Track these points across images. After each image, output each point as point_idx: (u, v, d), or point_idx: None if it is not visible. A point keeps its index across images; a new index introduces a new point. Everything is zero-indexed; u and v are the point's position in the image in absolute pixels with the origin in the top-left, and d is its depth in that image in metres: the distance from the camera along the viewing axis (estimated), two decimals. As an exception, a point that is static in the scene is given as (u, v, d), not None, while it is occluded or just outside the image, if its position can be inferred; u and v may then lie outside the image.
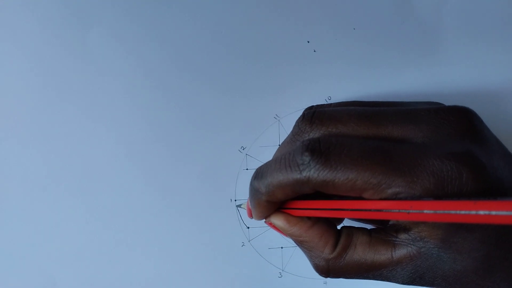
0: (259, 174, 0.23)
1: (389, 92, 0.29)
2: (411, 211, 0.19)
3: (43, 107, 0.29)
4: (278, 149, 0.26)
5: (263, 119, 0.29)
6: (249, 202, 0.25)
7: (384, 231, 0.24)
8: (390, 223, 0.24)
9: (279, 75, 0.29)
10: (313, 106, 0.26)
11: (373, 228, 0.24)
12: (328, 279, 0.31)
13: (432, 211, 0.18)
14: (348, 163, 0.20)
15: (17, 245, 0.30)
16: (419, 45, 0.29)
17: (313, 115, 0.24)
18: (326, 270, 0.24)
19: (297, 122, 0.24)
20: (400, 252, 0.22)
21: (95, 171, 0.29)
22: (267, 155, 0.30)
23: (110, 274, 0.30)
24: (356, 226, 0.25)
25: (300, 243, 0.25)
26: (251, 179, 0.24)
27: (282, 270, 0.31)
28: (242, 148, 0.30)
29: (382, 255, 0.23)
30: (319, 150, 0.21)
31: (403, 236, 0.22)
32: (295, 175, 0.21)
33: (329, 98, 0.29)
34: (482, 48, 0.29)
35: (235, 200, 0.30)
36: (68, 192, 0.29)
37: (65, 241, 0.30)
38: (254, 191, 0.24)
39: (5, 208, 0.29)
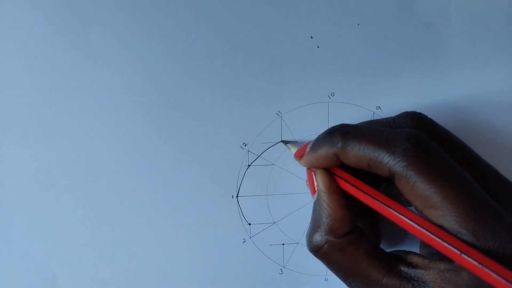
0: (345, 128, 0.23)
1: (392, 88, 0.29)
2: (464, 254, 0.19)
3: (43, 103, 0.28)
4: (368, 122, 0.26)
5: (265, 115, 0.29)
6: (310, 144, 0.24)
7: (389, 253, 0.24)
8: (393, 250, 0.24)
9: (282, 71, 0.29)
10: None
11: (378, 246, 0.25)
12: (329, 276, 0.31)
13: (488, 269, 0.19)
14: (441, 176, 0.20)
15: (18, 241, 0.30)
16: (424, 42, 0.29)
17: (426, 119, 0.24)
18: (319, 248, 0.24)
19: (406, 114, 0.25)
20: (392, 280, 0.22)
21: (97, 166, 0.29)
22: (269, 152, 0.30)
23: (110, 271, 0.30)
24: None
25: (320, 208, 0.24)
26: (333, 128, 0.23)
27: (283, 267, 0.31)
28: (244, 144, 0.30)
29: (375, 269, 0.23)
30: (424, 147, 0.21)
31: (404, 268, 0.23)
32: (385, 154, 0.21)
33: (332, 94, 0.29)
34: (488, 44, 0.29)
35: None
36: (70, 187, 0.29)
37: (66, 236, 0.30)
38: (329, 139, 0.23)
39: (7, 204, 0.29)
